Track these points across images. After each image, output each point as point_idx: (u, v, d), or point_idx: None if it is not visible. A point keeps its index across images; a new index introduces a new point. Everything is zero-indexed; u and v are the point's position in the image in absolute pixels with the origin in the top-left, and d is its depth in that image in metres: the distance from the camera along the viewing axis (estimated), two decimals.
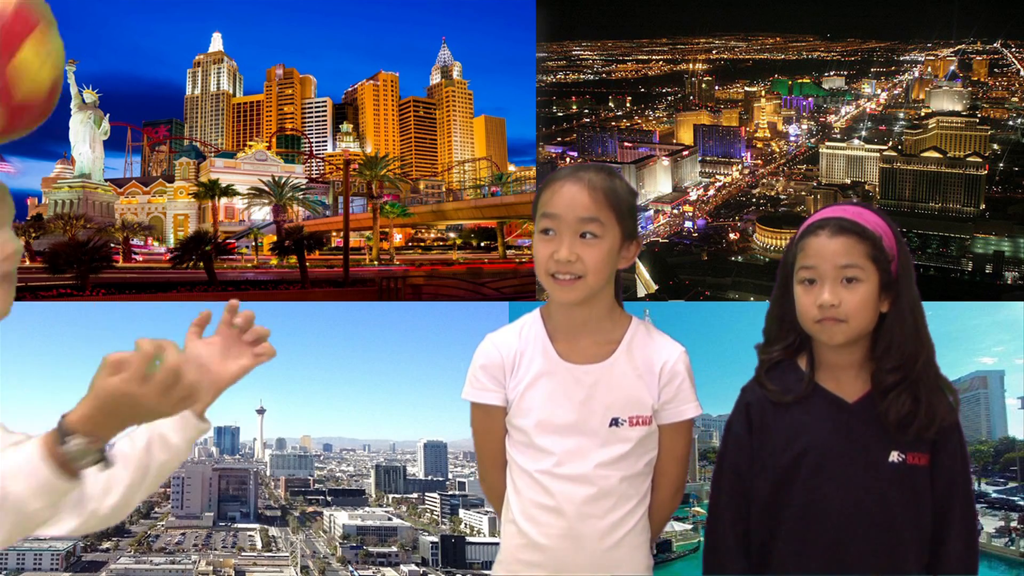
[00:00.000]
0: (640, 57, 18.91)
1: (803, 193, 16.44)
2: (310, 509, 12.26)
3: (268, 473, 13.07)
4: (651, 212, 16.14)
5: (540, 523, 1.93)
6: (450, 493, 11.89)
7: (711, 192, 16.89)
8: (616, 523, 1.93)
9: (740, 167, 17.12)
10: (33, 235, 19.07)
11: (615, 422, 1.93)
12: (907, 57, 17.86)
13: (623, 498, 1.93)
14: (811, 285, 1.84)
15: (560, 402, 1.94)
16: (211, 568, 10.64)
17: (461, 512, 11.52)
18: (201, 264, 15.16)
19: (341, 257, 17.91)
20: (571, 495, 1.91)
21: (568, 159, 16.86)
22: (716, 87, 18.26)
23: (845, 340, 1.83)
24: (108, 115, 21.56)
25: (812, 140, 17.49)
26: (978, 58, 16.78)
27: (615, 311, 2.00)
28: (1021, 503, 8.71)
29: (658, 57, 18.86)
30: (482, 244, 24.68)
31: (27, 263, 17.83)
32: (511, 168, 27.13)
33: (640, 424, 1.95)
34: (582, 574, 1.93)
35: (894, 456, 1.82)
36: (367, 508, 12.12)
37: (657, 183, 16.69)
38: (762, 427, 1.90)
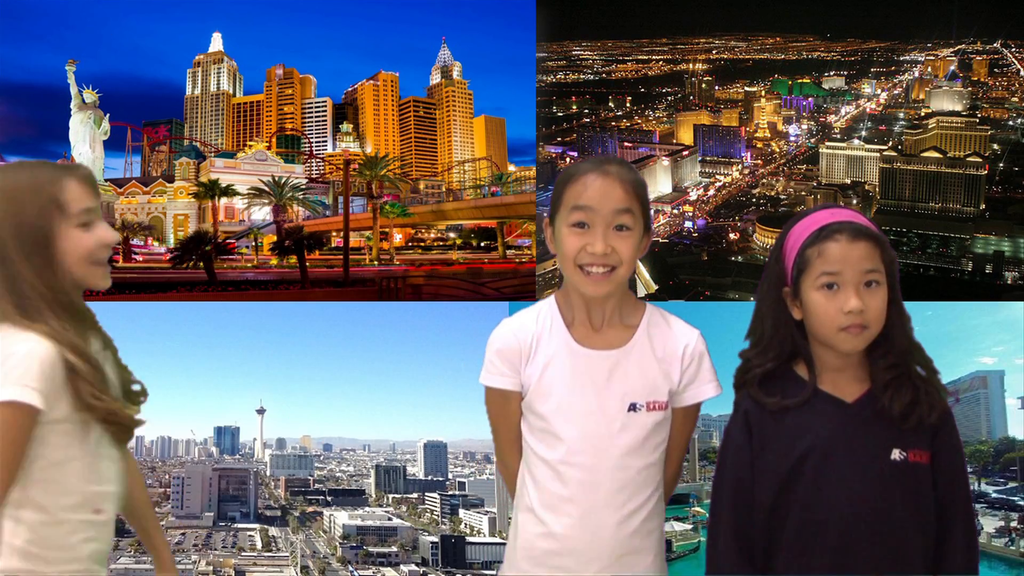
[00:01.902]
0: (640, 57, 18.90)
1: (803, 193, 16.43)
2: (310, 509, 12.26)
3: (268, 473, 13.07)
4: (651, 212, 16.14)
5: (559, 512, 1.96)
6: (450, 493, 11.89)
7: (711, 192, 16.89)
8: (633, 511, 1.96)
9: (740, 167, 17.11)
10: None
11: (633, 407, 1.96)
12: (907, 57, 17.85)
13: (640, 486, 1.96)
14: (831, 291, 1.82)
15: (579, 387, 1.96)
16: (211, 568, 10.64)
17: (461, 512, 11.52)
18: (201, 264, 15.15)
19: (341, 257, 17.89)
20: (589, 484, 1.93)
21: (568, 159, 16.85)
22: (716, 87, 18.25)
23: (865, 346, 1.83)
24: (108, 115, 21.56)
25: (812, 140, 17.49)
26: (978, 58, 16.77)
27: (630, 297, 2.04)
28: (1021, 503, 8.71)
29: (658, 57, 18.85)
30: (482, 244, 24.67)
31: None
32: (511, 168, 27.11)
33: (657, 409, 1.97)
34: (599, 560, 1.95)
35: (895, 454, 1.82)
36: (367, 508, 12.12)
37: (657, 183, 16.68)
38: (762, 433, 1.89)
